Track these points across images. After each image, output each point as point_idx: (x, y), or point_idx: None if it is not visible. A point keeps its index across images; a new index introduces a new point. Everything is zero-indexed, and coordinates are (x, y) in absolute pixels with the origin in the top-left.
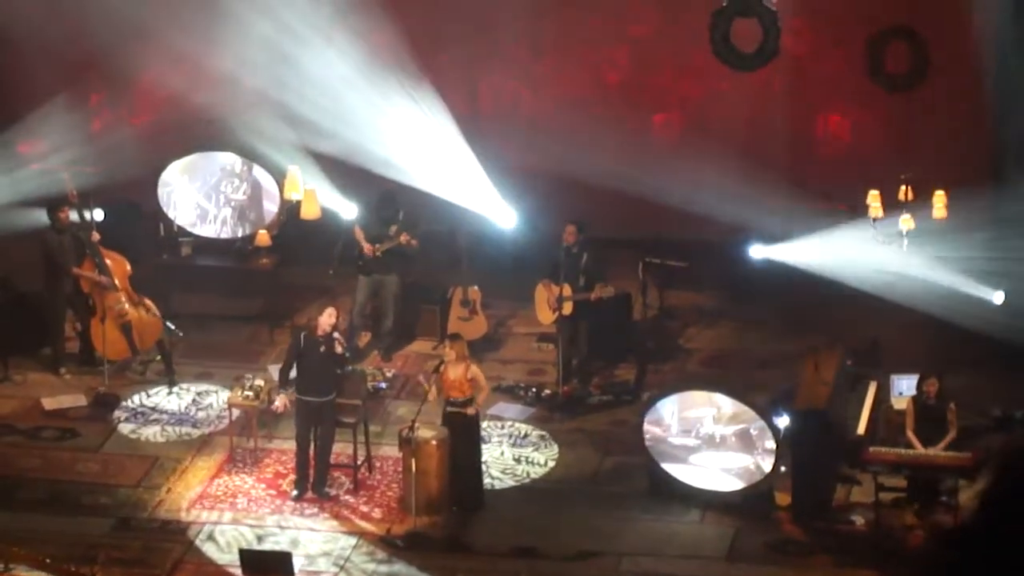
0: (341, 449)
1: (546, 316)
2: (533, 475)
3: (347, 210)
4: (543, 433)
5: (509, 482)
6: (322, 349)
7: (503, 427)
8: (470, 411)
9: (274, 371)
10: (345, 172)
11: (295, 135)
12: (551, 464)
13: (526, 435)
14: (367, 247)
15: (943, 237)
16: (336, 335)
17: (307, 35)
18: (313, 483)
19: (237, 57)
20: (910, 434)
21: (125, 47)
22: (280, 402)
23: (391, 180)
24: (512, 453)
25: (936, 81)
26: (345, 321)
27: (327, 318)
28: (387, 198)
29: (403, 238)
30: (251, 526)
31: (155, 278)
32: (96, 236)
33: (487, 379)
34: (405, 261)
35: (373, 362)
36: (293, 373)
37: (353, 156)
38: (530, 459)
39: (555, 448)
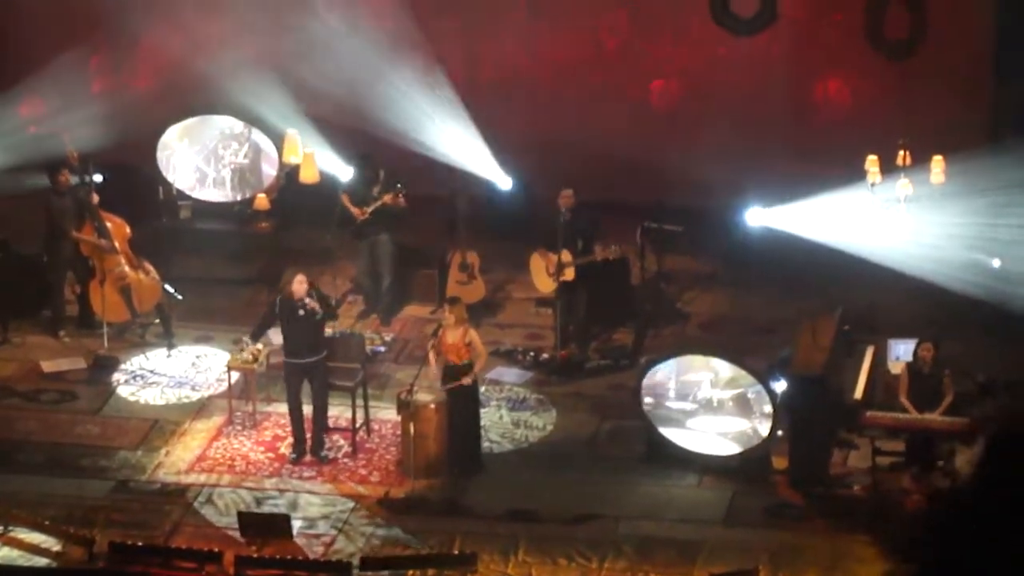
0: (339, 412)
1: (546, 284)
2: (531, 439)
3: (345, 174)
4: (541, 397)
5: (507, 446)
6: (300, 313)
7: (501, 391)
8: (466, 381)
9: (273, 335)
10: (344, 137)
11: (294, 99)
12: (549, 428)
13: (524, 399)
14: (355, 211)
15: (941, 202)
16: (307, 300)
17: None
18: (311, 446)
19: (236, 21)
20: (903, 399)
21: (125, 9)
22: (248, 351)
23: (388, 144)
24: (510, 417)
25: (935, 46)
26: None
27: (298, 286)
28: (365, 160)
29: (387, 198)
30: (250, 489)
31: (154, 241)
32: (96, 199)
33: (485, 344)
34: (395, 220)
35: (372, 326)
36: (279, 340)
37: (351, 120)
38: (528, 423)
39: (553, 412)
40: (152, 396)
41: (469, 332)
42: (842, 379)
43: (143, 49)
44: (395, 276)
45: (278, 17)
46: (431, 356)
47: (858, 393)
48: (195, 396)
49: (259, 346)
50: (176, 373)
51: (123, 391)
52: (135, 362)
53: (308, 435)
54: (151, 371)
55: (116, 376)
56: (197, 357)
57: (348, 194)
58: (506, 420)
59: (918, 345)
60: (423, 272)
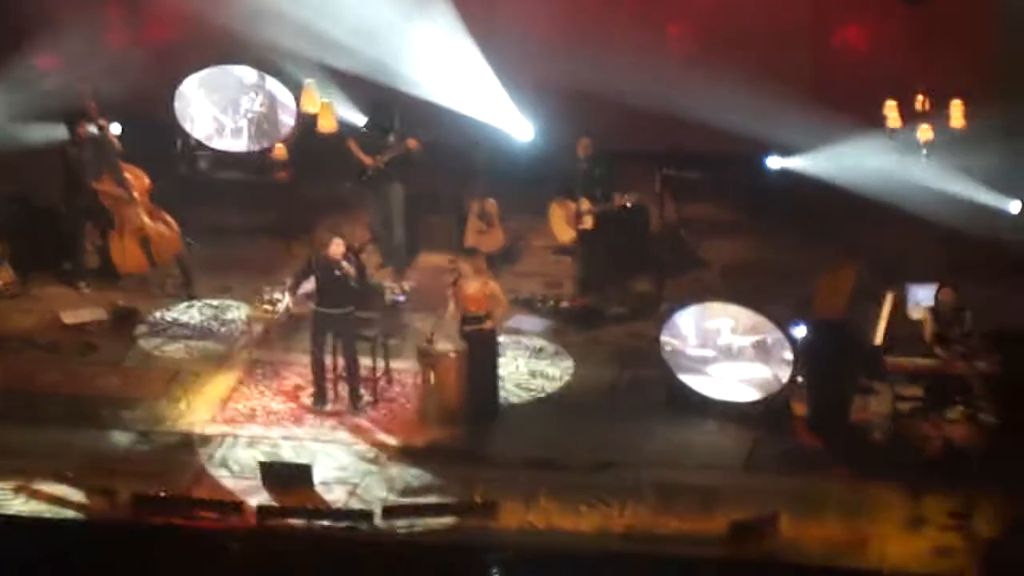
0: (360, 362)
1: (566, 234)
2: (548, 389)
3: (363, 123)
4: (558, 347)
5: (524, 396)
6: (336, 273)
7: (519, 341)
8: (488, 325)
9: (287, 283)
10: (362, 86)
11: (311, 49)
12: (566, 378)
13: (541, 349)
14: (367, 160)
15: (960, 147)
16: (344, 263)
17: None
18: (349, 399)
19: None
20: (930, 342)
21: None
22: (291, 304)
23: (407, 95)
24: (527, 367)
25: None
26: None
27: (335, 248)
28: (380, 107)
29: (410, 143)
30: (271, 439)
31: (172, 192)
32: (117, 148)
33: (504, 293)
34: (409, 168)
35: (391, 275)
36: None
37: (370, 71)
38: (545, 373)
39: (570, 362)
40: (173, 347)
41: (489, 283)
42: (863, 324)
43: None
44: (407, 226)
45: None
46: (450, 305)
47: (878, 339)
48: (216, 347)
49: (279, 295)
50: (196, 324)
51: (144, 342)
52: (156, 313)
53: (329, 385)
54: (172, 322)
55: (137, 327)
56: (216, 308)
57: (358, 141)
58: (523, 370)
59: (939, 289)
60: (439, 220)
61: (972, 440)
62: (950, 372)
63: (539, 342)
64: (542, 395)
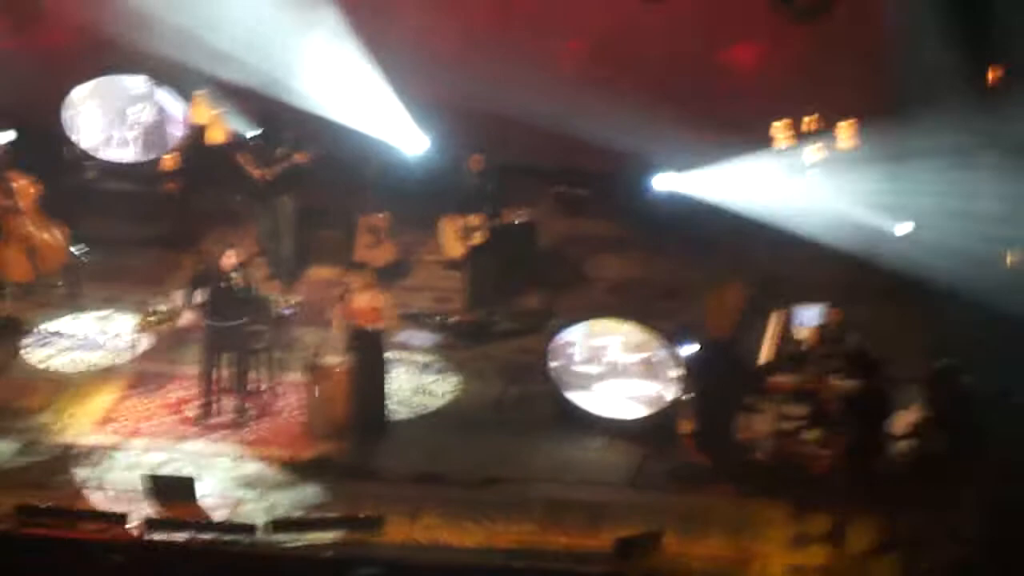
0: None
1: (456, 249)
2: (434, 405)
3: (252, 135)
4: (445, 363)
5: (410, 411)
6: (223, 285)
7: (406, 356)
8: (375, 338)
9: (178, 296)
10: (253, 99)
11: (202, 61)
12: (453, 394)
13: (428, 365)
14: (256, 172)
15: (848, 168)
16: (235, 274)
17: None
18: (235, 410)
19: None
20: (812, 361)
21: None
22: (186, 318)
23: (299, 108)
24: (414, 382)
25: (843, 11)
26: (253, 249)
27: (227, 260)
28: (270, 119)
29: (300, 156)
30: (154, 451)
31: (60, 202)
32: (4, 156)
33: (393, 307)
34: (298, 182)
35: (279, 288)
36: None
37: (261, 84)
38: (431, 390)
39: (457, 377)
40: (57, 358)
41: (378, 296)
42: (748, 344)
43: (49, 6)
44: (296, 239)
45: None
46: (336, 319)
47: (764, 358)
48: (101, 358)
49: (166, 307)
50: (82, 334)
51: (28, 353)
52: (41, 323)
53: (215, 398)
54: (56, 332)
55: (21, 337)
56: (103, 319)
57: (248, 154)
58: (409, 386)
59: (828, 309)
60: (328, 233)
61: (840, 460)
62: (834, 391)
63: (426, 357)
64: (428, 411)
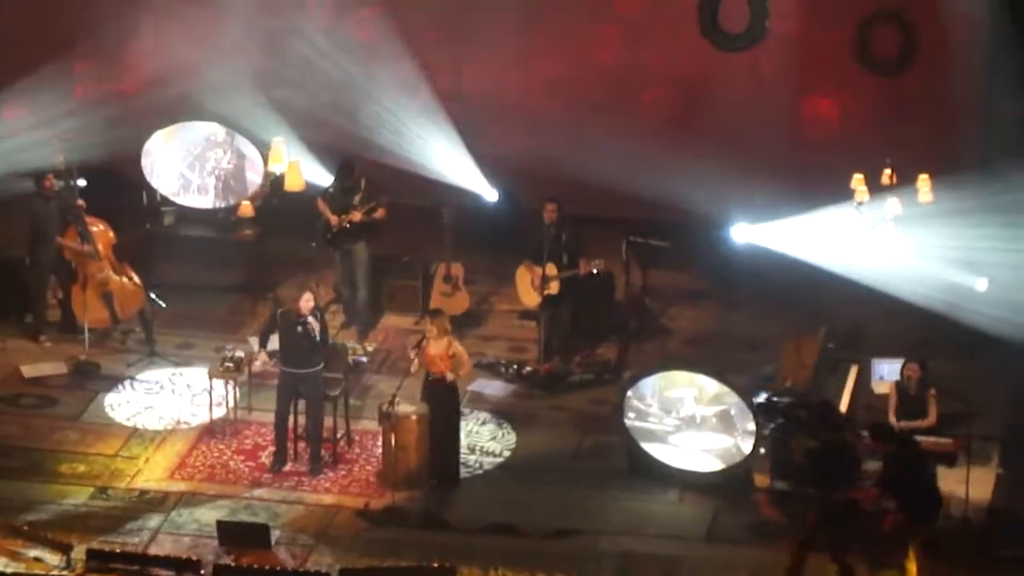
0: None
1: (531, 298)
2: (508, 455)
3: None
4: (517, 414)
5: (484, 461)
6: (299, 330)
7: (480, 406)
8: (451, 387)
9: (254, 342)
10: (330, 146)
11: (281, 111)
12: (527, 444)
13: (500, 415)
14: (333, 219)
15: (928, 222)
16: (310, 319)
17: (292, 12)
18: (309, 459)
19: (223, 29)
20: (892, 419)
21: (111, 16)
22: (260, 360)
23: (374, 155)
24: (488, 431)
25: (924, 65)
26: (329, 296)
27: (305, 303)
28: (346, 167)
29: (378, 213)
30: (229, 497)
31: (138, 247)
32: (81, 204)
33: (468, 356)
34: (373, 230)
35: (354, 336)
36: (275, 345)
37: (338, 131)
38: (502, 440)
39: (531, 428)
40: (132, 404)
41: (453, 344)
42: (826, 396)
43: (128, 55)
44: (370, 287)
45: (264, 28)
46: (413, 367)
47: (842, 409)
48: (175, 404)
49: (241, 354)
50: (157, 380)
51: (103, 398)
52: (116, 368)
53: (290, 445)
54: (132, 378)
55: (96, 382)
56: (178, 365)
57: (326, 200)
58: (479, 437)
59: (904, 365)
60: (405, 283)
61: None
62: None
63: (501, 407)
64: (502, 461)
